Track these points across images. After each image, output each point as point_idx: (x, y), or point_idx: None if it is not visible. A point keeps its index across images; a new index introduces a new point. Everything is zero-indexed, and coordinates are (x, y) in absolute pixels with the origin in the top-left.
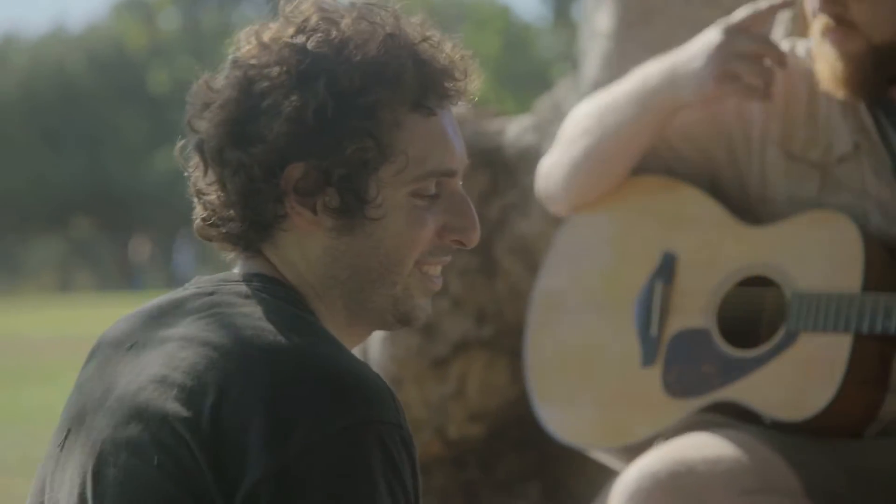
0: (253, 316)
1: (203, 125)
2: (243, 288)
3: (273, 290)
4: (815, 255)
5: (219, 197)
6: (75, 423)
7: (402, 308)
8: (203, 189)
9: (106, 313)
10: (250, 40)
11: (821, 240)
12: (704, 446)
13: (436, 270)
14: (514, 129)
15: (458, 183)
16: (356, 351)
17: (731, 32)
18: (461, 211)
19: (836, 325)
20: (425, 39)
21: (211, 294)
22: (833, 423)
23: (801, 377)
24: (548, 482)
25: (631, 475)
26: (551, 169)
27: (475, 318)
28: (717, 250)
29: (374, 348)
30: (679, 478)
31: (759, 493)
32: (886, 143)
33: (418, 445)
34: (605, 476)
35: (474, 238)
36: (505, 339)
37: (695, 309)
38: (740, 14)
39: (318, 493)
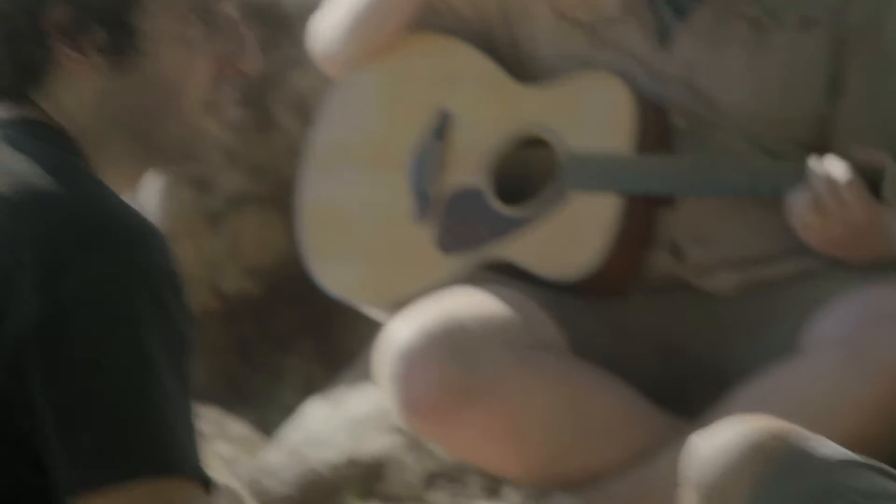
0: (14, 160)
1: None
2: (5, 133)
3: (38, 134)
4: (588, 115)
5: None
6: None
7: (189, 143)
8: None
9: None
10: None
11: (593, 101)
12: (476, 303)
13: (222, 101)
14: None
15: (230, 7)
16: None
17: None
18: (235, 36)
19: (606, 185)
20: None
21: None
22: (600, 281)
23: (570, 236)
24: (322, 339)
25: (402, 331)
26: (323, 28)
27: (250, 173)
28: (492, 109)
29: (147, 202)
30: (450, 334)
31: (528, 348)
32: (652, 4)
33: (192, 301)
34: (379, 333)
35: (251, 64)
36: (280, 195)
37: (469, 167)
38: None
39: (83, 338)
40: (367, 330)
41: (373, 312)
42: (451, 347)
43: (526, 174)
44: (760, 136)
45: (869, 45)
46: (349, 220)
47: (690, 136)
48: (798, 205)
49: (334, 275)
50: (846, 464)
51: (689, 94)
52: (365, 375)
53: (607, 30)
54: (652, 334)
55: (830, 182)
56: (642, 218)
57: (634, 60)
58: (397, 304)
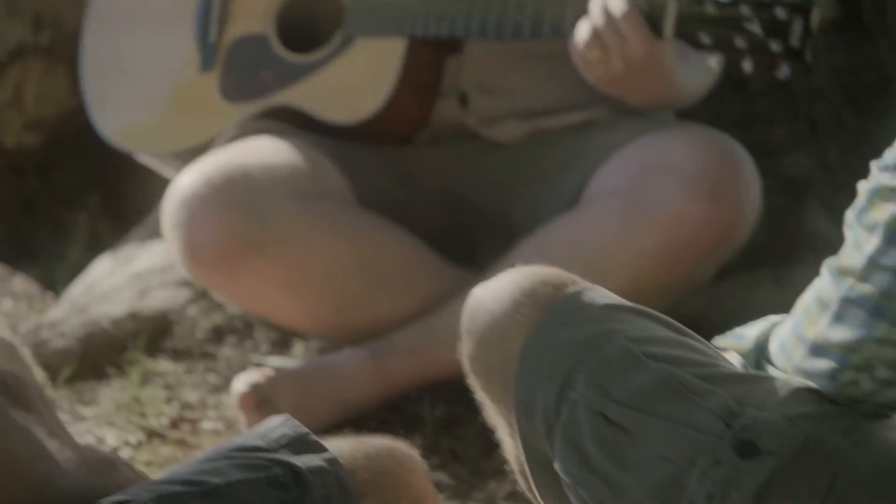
0: None
1: None
2: None
3: None
4: None
5: None
6: None
7: None
8: None
9: None
10: None
11: None
12: (260, 151)
13: None
14: None
15: None
16: None
17: None
18: None
19: (391, 28)
20: None
21: None
22: (386, 127)
23: (356, 81)
24: (110, 194)
25: (185, 179)
26: None
27: (32, 24)
28: None
29: None
30: (234, 182)
31: (314, 198)
32: None
33: None
34: (166, 189)
35: None
36: (64, 47)
37: (254, 15)
38: None
39: None
40: (157, 186)
41: (158, 166)
42: (233, 195)
43: (314, 20)
44: None
45: None
46: (133, 71)
47: None
48: (580, 39)
49: (119, 126)
50: (617, 309)
51: None
52: (155, 233)
53: None
54: (439, 184)
55: (609, 16)
56: (429, 63)
57: None
58: (183, 154)
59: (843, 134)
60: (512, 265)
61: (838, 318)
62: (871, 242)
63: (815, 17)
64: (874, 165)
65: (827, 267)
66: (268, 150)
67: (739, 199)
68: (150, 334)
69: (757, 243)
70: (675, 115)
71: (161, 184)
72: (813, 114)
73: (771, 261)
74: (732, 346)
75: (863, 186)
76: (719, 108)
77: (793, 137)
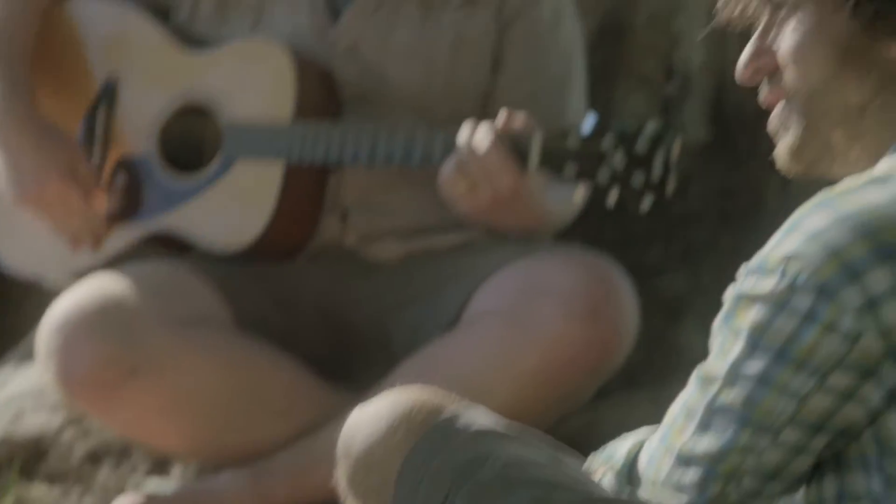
0: None
1: None
2: None
3: None
4: (250, 83)
5: None
6: None
7: None
8: None
9: None
10: None
11: (255, 69)
12: (137, 277)
13: None
14: None
15: None
16: None
17: None
18: None
19: (267, 152)
20: None
21: None
22: (268, 249)
23: (236, 205)
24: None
25: (61, 306)
26: None
27: None
28: (159, 76)
29: None
30: (108, 309)
31: (190, 324)
32: None
33: None
34: (41, 311)
35: None
36: None
37: (137, 136)
38: None
39: None
40: (32, 309)
41: (53, 286)
42: (107, 322)
43: (195, 143)
44: (428, 111)
45: (525, 23)
46: None
47: (359, 107)
48: (446, 172)
49: (11, 249)
50: (494, 432)
51: (358, 69)
52: (30, 355)
53: (276, 4)
54: (319, 304)
55: (475, 150)
56: (308, 184)
57: (303, 35)
58: (75, 276)
59: (717, 255)
60: (392, 387)
61: (704, 426)
62: (736, 348)
63: (676, 150)
64: (741, 271)
65: (695, 375)
66: (144, 276)
67: (617, 320)
68: (25, 459)
69: (635, 363)
70: (553, 236)
71: (36, 306)
72: (688, 235)
73: (648, 380)
74: (606, 465)
75: (730, 292)
76: (597, 230)
77: (669, 258)
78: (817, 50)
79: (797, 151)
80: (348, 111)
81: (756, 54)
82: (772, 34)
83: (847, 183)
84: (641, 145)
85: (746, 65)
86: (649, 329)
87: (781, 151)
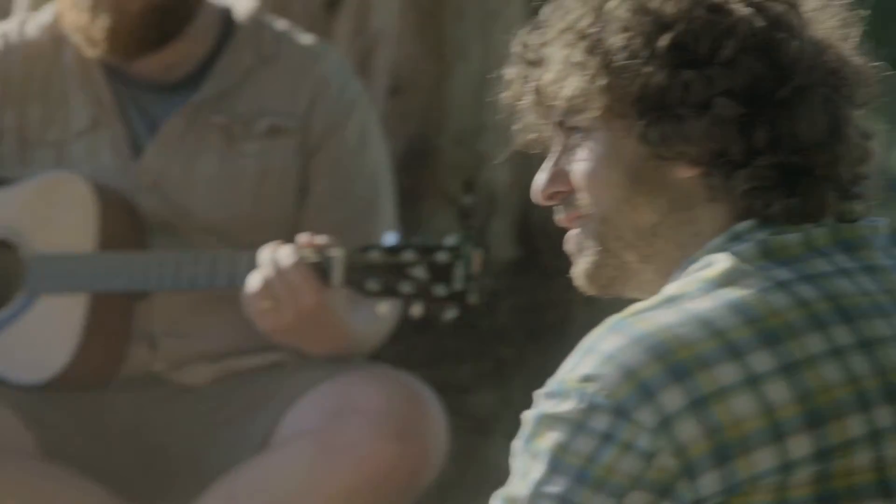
0: None
1: None
2: None
3: None
4: (53, 217)
5: None
6: None
7: None
8: None
9: None
10: None
11: (58, 202)
12: None
13: None
14: None
15: None
16: None
17: None
18: None
19: (72, 285)
20: None
21: None
22: (74, 380)
23: (41, 339)
24: None
25: None
26: None
27: None
28: None
29: None
30: None
31: None
32: (124, 117)
33: None
34: None
35: None
36: None
37: None
38: None
39: None
40: None
41: None
42: None
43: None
44: (235, 240)
45: (330, 149)
46: None
47: (165, 237)
48: (250, 290)
49: None
50: None
51: (162, 202)
52: None
53: (77, 144)
54: (130, 430)
55: (278, 267)
56: (114, 313)
57: (105, 172)
58: None
59: (527, 371)
60: None
61: None
62: (537, 471)
63: (478, 260)
64: (538, 394)
65: (496, 499)
66: None
67: (426, 439)
68: None
69: (446, 480)
70: (364, 355)
71: None
72: (498, 352)
73: (459, 497)
74: None
75: (528, 415)
76: (407, 348)
77: (479, 375)
78: (609, 174)
79: (593, 274)
80: (154, 241)
81: (552, 178)
82: (566, 157)
83: (638, 305)
84: (442, 258)
85: (542, 188)
86: (460, 446)
87: (578, 273)
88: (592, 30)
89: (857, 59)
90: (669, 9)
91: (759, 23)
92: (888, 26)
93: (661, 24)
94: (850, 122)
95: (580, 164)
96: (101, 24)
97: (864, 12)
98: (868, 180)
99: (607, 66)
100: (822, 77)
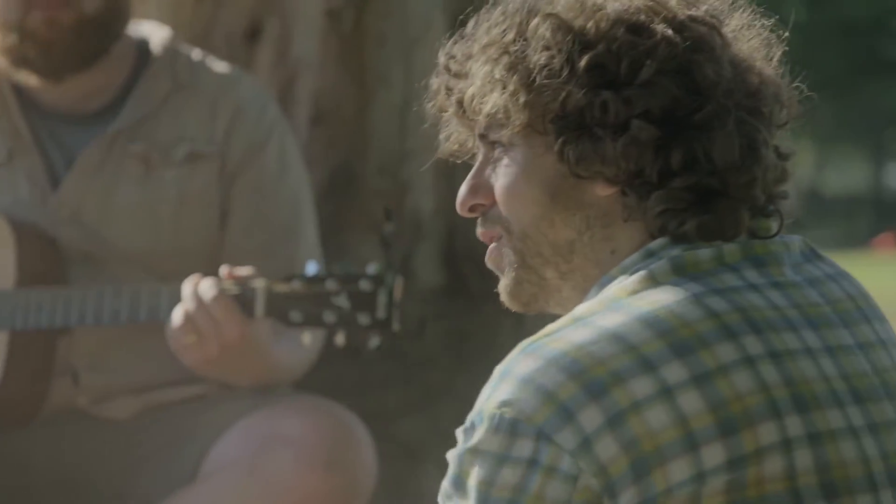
0: None
1: None
2: None
3: None
4: None
5: None
6: None
7: None
8: None
9: None
10: None
11: None
12: None
13: None
14: None
15: None
16: None
17: None
18: None
19: None
20: None
21: None
22: None
23: None
24: None
25: None
26: None
27: None
28: None
29: None
30: None
31: None
32: (41, 149)
33: None
34: None
35: None
36: None
37: None
38: None
39: None
40: None
41: None
42: None
43: None
44: (157, 268)
45: (250, 174)
46: None
47: (85, 269)
48: (174, 325)
49: None
50: None
51: (81, 233)
52: None
53: None
54: (54, 466)
55: (200, 301)
56: (36, 349)
57: (22, 205)
58: None
59: (454, 398)
60: None
61: None
62: None
63: (399, 289)
64: (458, 431)
65: None
66: None
67: (355, 468)
68: None
69: None
70: (290, 384)
71: None
72: (425, 378)
73: None
74: None
75: (451, 454)
76: (333, 375)
77: (407, 402)
78: (528, 190)
79: (514, 290)
80: (74, 274)
81: (473, 189)
82: (488, 170)
83: (550, 326)
84: (364, 286)
85: (464, 200)
86: (389, 474)
87: (501, 290)
88: (515, 47)
89: (778, 80)
90: (591, 28)
91: (680, 45)
92: (817, 49)
93: (583, 44)
94: (768, 143)
95: (500, 178)
96: (34, 42)
97: (785, 34)
98: (785, 199)
99: (528, 84)
100: (741, 99)
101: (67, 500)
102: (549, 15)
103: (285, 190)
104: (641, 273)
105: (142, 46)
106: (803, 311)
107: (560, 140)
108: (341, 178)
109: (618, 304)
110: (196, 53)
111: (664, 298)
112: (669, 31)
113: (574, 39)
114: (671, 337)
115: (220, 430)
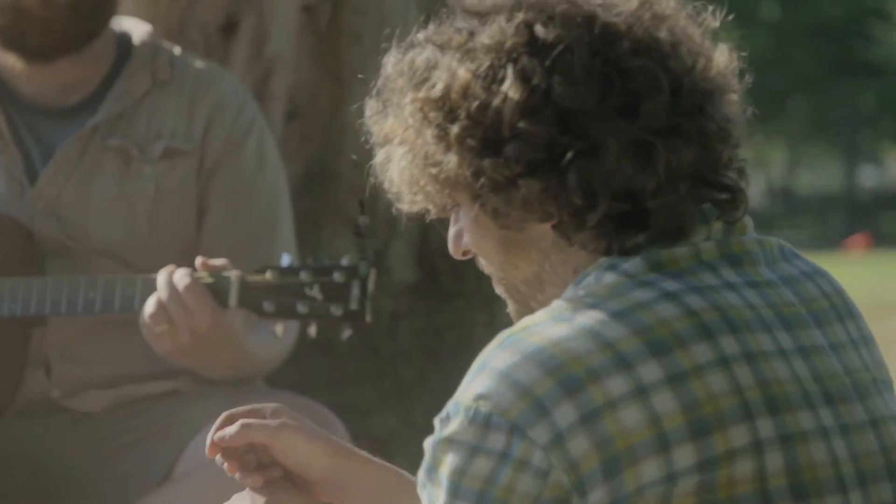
0: None
1: None
2: None
3: None
4: None
5: None
6: None
7: None
8: None
9: None
10: None
11: None
12: None
13: None
14: None
15: None
16: None
17: None
18: None
19: None
20: None
21: None
22: None
23: None
24: None
25: None
26: None
27: None
28: None
29: None
30: None
31: None
32: (18, 141)
33: None
34: None
35: None
36: None
37: None
38: None
39: None
40: None
41: None
42: None
43: None
44: (133, 263)
45: (228, 171)
46: None
47: (61, 262)
48: (147, 313)
49: None
50: None
51: (58, 226)
52: None
53: None
54: (28, 459)
55: (173, 289)
56: (10, 339)
57: (0, 196)
58: None
59: (427, 393)
60: None
61: None
62: (440, 498)
63: (372, 281)
64: (436, 420)
65: None
66: None
67: None
68: None
69: None
70: (264, 380)
71: None
72: (399, 374)
73: None
74: None
75: (427, 443)
76: (307, 371)
77: (380, 398)
78: (484, 243)
79: (519, 318)
80: (50, 267)
81: (455, 240)
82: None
83: (527, 320)
84: (337, 277)
85: (453, 249)
86: None
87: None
88: (407, 127)
89: (694, 33)
90: (449, 99)
91: (533, 82)
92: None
93: (449, 116)
94: (680, 128)
95: (465, 233)
96: (28, 20)
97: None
98: (741, 162)
99: (422, 162)
100: (618, 102)
101: (39, 492)
102: (415, 100)
103: (263, 186)
104: (619, 269)
105: (122, 41)
106: (778, 310)
107: (477, 205)
108: (316, 173)
109: (595, 301)
110: (176, 50)
111: (642, 296)
112: (510, 80)
113: (438, 114)
114: (648, 335)
115: (195, 428)
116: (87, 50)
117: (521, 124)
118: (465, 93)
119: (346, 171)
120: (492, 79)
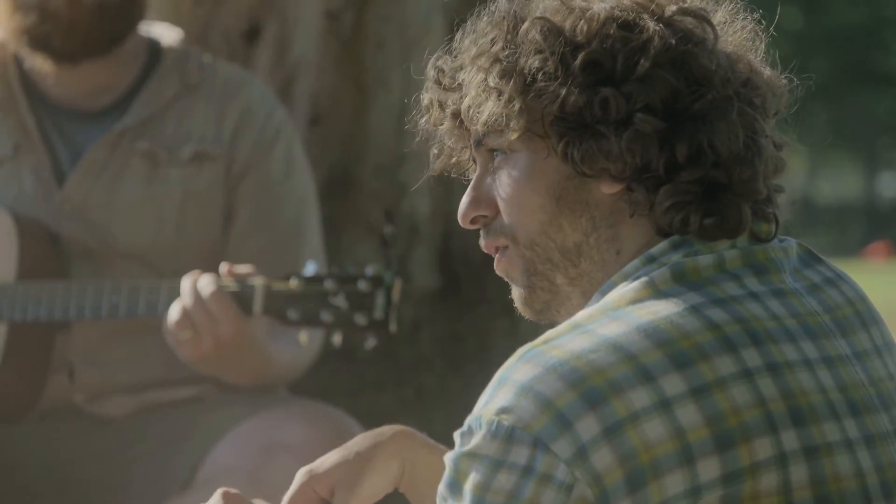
0: None
1: None
2: None
3: None
4: None
5: None
6: None
7: None
8: None
9: None
10: None
11: None
12: None
13: None
14: None
15: None
16: None
17: None
18: None
19: None
20: None
21: None
22: None
23: None
24: None
25: None
26: None
27: None
28: None
29: None
30: None
31: None
32: (47, 143)
33: None
34: None
35: None
36: None
37: None
38: None
39: None
40: None
41: None
42: None
43: None
44: (159, 267)
45: (255, 177)
46: None
47: (87, 264)
48: (171, 319)
49: None
50: None
51: (85, 229)
52: None
53: (0, 170)
54: (50, 463)
55: (198, 296)
56: (34, 343)
57: (27, 199)
58: None
59: (448, 400)
60: None
61: None
62: None
63: (397, 290)
64: (456, 434)
65: None
66: None
67: None
68: None
69: None
70: (286, 387)
71: None
72: (419, 381)
73: None
74: None
75: (448, 457)
76: (328, 378)
77: (400, 404)
78: (532, 196)
79: (528, 297)
80: (76, 270)
81: (475, 201)
82: (488, 180)
83: (549, 333)
84: (362, 287)
85: (466, 212)
86: None
87: (515, 297)
88: (506, 53)
89: (767, 70)
90: (582, 29)
91: (672, 37)
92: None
93: (575, 45)
94: (765, 132)
95: (503, 188)
96: (55, 22)
97: (771, 32)
98: (781, 192)
99: (523, 89)
100: (736, 88)
101: (60, 496)
102: (539, 19)
103: (291, 192)
104: (642, 280)
105: (152, 46)
106: (802, 320)
107: (562, 141)
108: (338, 179)
109: (618, 313)
110: (206, 55)
111: (664, 308)
112: (660, 26)
113: (566, 41)
114: (670, 348)
115: (217, 435)
116: (114, 53)
117: (655, 69)
118: (604, 25)
119: (367, 178)
120: (632, 25)
